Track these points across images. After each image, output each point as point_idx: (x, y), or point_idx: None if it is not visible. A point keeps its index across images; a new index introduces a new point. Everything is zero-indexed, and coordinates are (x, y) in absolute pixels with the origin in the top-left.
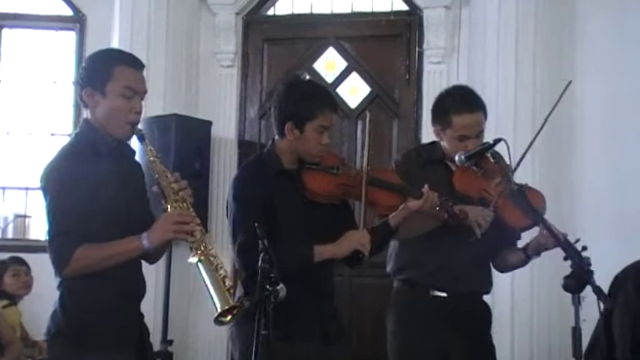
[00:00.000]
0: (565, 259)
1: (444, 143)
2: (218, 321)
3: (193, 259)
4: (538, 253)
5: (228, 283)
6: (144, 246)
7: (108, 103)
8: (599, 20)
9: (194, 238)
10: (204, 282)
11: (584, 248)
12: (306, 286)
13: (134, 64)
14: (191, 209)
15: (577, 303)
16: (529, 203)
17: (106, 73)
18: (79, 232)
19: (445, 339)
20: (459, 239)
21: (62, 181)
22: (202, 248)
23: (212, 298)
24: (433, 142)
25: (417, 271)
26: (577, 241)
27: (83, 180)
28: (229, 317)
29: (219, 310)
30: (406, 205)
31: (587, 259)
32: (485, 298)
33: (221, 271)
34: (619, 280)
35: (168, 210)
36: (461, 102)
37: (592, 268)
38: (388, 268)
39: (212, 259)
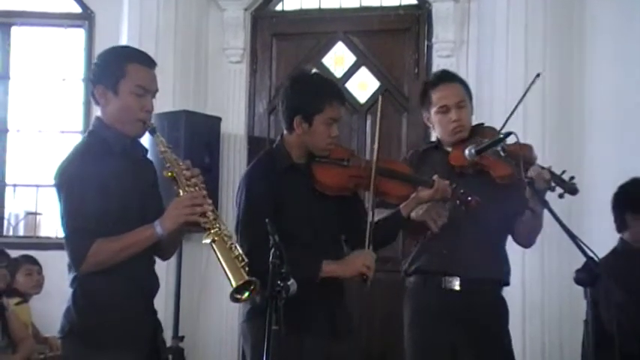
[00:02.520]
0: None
1: (435, 133)
2: (233, 297)
3: (207, 240)
4: (541, 201)
5: (243, 260)
6: (157, 233)
7: (120, 101)
8: (608, 13)
9: (207, 219)
10: (219, 260)
11: (572, 177)
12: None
13: (147, 62)
14: (204, 192)
15: (588, 296)
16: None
17: (118, 71)
18: (94, 228)
19: (455, 335)
20: (465, 228)
21: (76, 179)
22: (216, 228)
23: (227, 275)
24: (431, 141)
25: (427, 257)
26: (563, 172)
27: (97, 177)
28: (246, 294)
29: (234, 285)
30: (417, 195)
31: (574, 184)
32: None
33: (235, 251)
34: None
35: (181, 195)
36: (435, 79)
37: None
38: (403, 267)
39: (226, 238)
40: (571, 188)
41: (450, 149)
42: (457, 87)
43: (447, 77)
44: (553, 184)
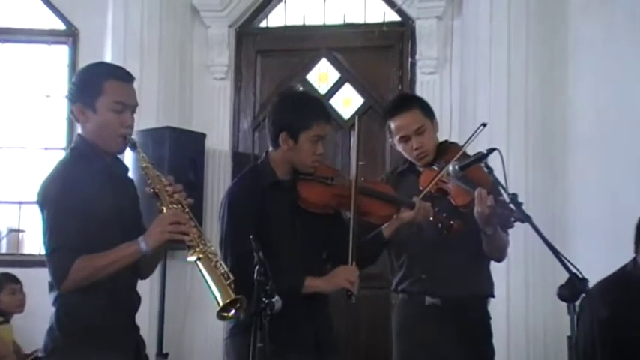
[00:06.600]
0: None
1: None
2: (220, 315)
3: (192, 258)
4: (488, 224)
5: (229, 277)
6: (141, 249)
7: (99, 118)
8: (590, 30)
9: (190, 237)
10: (204, 278)
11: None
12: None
13: (123, 77)
14: (187, 210)
15: (572, 312)
16: (467, 179)
17: (95, 88)
18: (77, 245)
19: (442, 348)
20: (440, 249)
21: (59, 196)
22: (201, 246)
23: (213, 293)
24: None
25: (409, 281)
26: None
27: (79, 195)
28: (232, 312)
29: (220, 304)
30: (399, 216)
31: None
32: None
33: (220, 268)
34: (586, 300)
35: (164, 212)
36: (390, 107)
37: (585, 275)
38: (393, 284)
39: (211, 255)
40: (520, 216)
41: (421, 169)
42: (414, 114)
43: (403, 105)
44: (499, 212)
